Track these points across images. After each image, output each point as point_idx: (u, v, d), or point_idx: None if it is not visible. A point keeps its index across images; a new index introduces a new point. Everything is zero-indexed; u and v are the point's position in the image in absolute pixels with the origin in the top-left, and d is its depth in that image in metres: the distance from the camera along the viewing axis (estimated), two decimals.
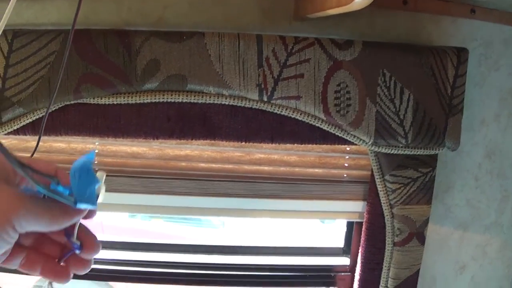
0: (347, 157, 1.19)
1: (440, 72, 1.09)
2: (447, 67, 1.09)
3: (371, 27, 1.15)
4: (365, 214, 1.18)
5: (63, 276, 0.48)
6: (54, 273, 0.48)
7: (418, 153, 1.11)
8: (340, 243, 1.34)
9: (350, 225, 1.28)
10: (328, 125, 1.05)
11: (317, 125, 1.05)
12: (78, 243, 0.47)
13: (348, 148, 1.18)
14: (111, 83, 0.99)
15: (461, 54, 1.11)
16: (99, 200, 0.45)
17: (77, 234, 0.47)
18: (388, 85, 1.06)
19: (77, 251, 0.47)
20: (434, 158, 1.15)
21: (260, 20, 1.11)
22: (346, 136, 1.07)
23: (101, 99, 1.01)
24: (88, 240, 0.48)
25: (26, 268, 0.48)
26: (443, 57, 1.09)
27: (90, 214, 0.47)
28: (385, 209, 1.15)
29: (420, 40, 1.18)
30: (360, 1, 0.80)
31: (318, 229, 3.95)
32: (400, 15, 1.16)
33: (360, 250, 1.20)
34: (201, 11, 1.09)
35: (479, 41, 1.23)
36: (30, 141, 1.09)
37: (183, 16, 1.09)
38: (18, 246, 0.45)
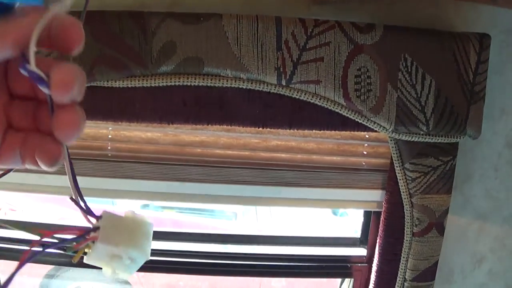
0: (366, 144, 1.16)
1: (462, 58, 1.06)
2: (469, 53, 1.07)
3: (392, 11, 1.12)
4: (383, 203, 1.15)
5: (51, 150, 0.34)
6: (39, 151, 0.34)
7: (439, 140, 1.08)
8: (352, 234, 1.31)
9: (367, 214, 1.25)
10: (348, 110, 1.02)
11: (336, 110, 1.02)
12: (40, 74, 0.31)
13: (367, 136, 1.15)
14: (126, 65, 0.97)
15: (483, 40, 1.08)
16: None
17: (39, 63, 0.31)
18: (409, 70, 1.03)
19: (44, 88, 0.32)
20: (455, 146, 1.12)
21: (278, 3, 1.08)
22: (366, 123, 1.04)
23: (115, 82, 0.98)
24: (58, 70, 0.31)
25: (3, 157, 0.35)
26: (466, 42, 1.07)
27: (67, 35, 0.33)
28: (405, 198, 1.12)
29: (441, 26, 1.15)
30: None
31: (329, 221, 3.93)
32: (421, 0, 1.13)
33: (378, 241, 1.17)
34: None
35: (499, 28, 1.20)
36: None
37: None
38: None
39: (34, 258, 0.38)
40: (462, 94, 1.07)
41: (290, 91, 1.00)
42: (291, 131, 1.10)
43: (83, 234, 0.40)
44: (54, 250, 0.42)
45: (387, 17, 1.12)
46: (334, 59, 1.01)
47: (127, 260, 0.42)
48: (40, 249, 0.39)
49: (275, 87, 1.00)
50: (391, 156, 1.11)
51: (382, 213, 1.15)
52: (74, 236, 0.40)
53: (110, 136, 1.09)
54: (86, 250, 0.41)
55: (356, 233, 1.33)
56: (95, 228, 0.41)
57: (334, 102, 1.02)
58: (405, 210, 1.13)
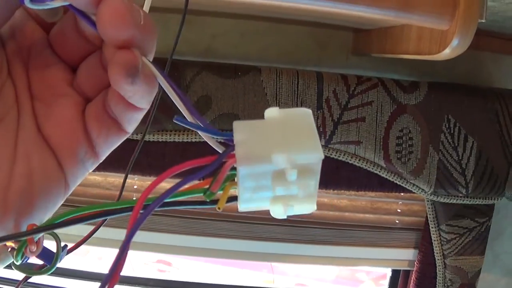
0: (400, 202, 1.12)
1: (505, 119, 1.02)
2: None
3: (431, 65, 1.08)
4: (416, 263, 1.11)
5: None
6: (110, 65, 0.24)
7: (476, 202, 1.05)
8: None
9: (395, 273, 1.21)
10: (387, 172, 0.98)
11: (375, 172, 0.98)
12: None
13: (402, 194, 1.11)
14: (157, 119, 0.91)
15: None
16: None
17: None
18: (452, 132, 0.99)
19: (55, 1, 0.24)
20: (491, 207, 1.08)
21: (316, 53, 1.04)
22: (405, 185, 0.99)
23: (146, 135, 0.93)
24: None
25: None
26: (509, 102, 1.03)
27: None
28: (438, 259, 1.08)
29: (480, 80, 1.11)
30: (449, 53, 0.73)
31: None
32: (461, 53, 1.09)
33: None
34: (253, 42, 1.02)
35: None
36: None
37: (233, 46, 1.02)
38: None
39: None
40: (503, 156, 1.03)
41: (328, 151, 0.96)
42: None
43: (213, 162, 0.25)
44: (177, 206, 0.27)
45: (427, 70, 1.08)
46: (376, 119, 0.96)
47: (294, 174, 0.24)
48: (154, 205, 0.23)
49: None
50: (426, 215, 1.07)
51: (413, 272, 1.12)
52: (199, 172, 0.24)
53: (135, 187, 1.04)
54: (233, 188, 0.26)
55: None
56: (230, 149, 0.25)
57: (374, 164, 0.97)
58: (437, 270, 1.09)
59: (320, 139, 0.93)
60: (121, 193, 0.61)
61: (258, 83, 0.93)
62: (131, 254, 1.09)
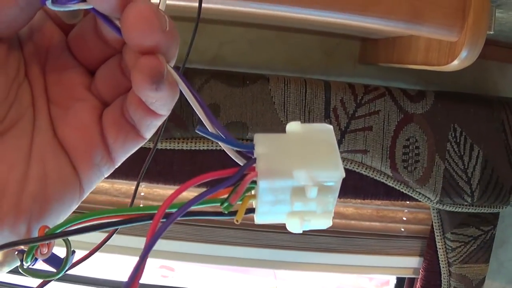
0: (406, 210, 1.12)
1: (510, 128, 1.03)
2: None
3: (438, 74, 1.08)
4: (421, 270, 1.12)
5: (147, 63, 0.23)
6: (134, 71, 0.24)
7: (481, 211, 1.05)
8: None
9: (400, 280, 1.22)
10: (394, 181, 0.99)
11: (381, 180, 0.98)
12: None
13: (407, 202, 1.11)
14: (166, 127, 0.92)
15: None
16: None
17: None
18: (458, 141, 1.00)
19: (78, 3, 0.24)
20: (496, 216, 1.09)
21: (323, 61, 1.04)
22: (411, 193, 1.00)
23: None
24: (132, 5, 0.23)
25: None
26: None
27: None
28: (443, 267, 1.09)
29: (486, 89, 1.12)
30: (458, 64, 0.73)
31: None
32: None
33: None
34: (261, 50, 1.02)
35: None
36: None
37: (242, 54, 1.02)
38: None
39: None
40: (509, 165, 1.03)
41: None
42: None
43: (234, 174, 0.25)
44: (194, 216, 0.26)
45: (433, 79, 1.08)
46: (383, 128, 0.97)
47: (315, 192, 0.24)
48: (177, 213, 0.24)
49: None
50: (431, 224, 1.07)
51: (418, 280, 1.12)
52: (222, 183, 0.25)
53: (142, 194, 1.04)
54: (250, 200, 0.26)
55: None
56: (251, 162, 0.25)
57: (380, 172, 0.98)
58: (442, 278, 1.10)
59: None
60: (132, 201, 0.61)
61: (266, 92, 0.93)
62: (133, 260, 1.09)
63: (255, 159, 0.25)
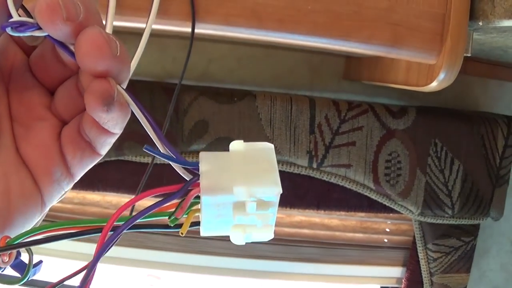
0: (389, 222, 1.15)
1: (490, 143, 1.06)
2: (497, 137, 1.07)
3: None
4: (403, 280, 1.15)
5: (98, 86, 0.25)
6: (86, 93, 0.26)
7: (462, 223, 1.09)
8: None
9: None
10: (377, 194, 1.02)
11: (365, 193, 1.02)
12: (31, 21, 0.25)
13: (391, 214, 1.14)
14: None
15: (511, 123, 1.08)
16: None
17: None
18: (439, 155, 1.03)
19: (35, 31, 0.25)
20: (476, 227, 1.12)
21: (308, 78, 1.07)
22: (394, 206, 1.03)
23: (144, 157, 0.96)
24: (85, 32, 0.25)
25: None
26: (494, 126, 1.07)
27: None
28: (425, 277, 1.12)
29: (467, 104, 1.15)
30: (436, 85, 0.77)
31: None
32: None
33: None
34: (248, 67, 1.05)
35: None
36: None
37: (229, 71, 1.05)
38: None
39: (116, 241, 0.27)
40: (488, 178, 1.07)
41: (320, 173, 0.99)
42: None
43: (179, 190, 0.28)
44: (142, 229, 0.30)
45: (416, 94, 1.11)
46: (366, 143, 1.00)
47: (253, 207, 0.27)
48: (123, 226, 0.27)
49: (305, 169, 0.99)
50: (414, 235, 1.10)
51: None
52: (167, 197, 0.28)
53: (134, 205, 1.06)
54: (196, 214, 0.29)
55: None
56: (195, 179, 0.28)
57: (364, 186, 1.01)
58: None
59: (312, 162, 0.96)
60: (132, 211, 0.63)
61: (253, 108, 0.96)
62: (123, 270, 1.10)
63: (199, 175, 0.28)
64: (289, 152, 0.97)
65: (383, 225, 1.15)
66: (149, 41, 0.63)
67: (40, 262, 0.30)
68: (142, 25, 0.61)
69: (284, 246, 1.11)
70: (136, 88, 0.95)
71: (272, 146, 0.30)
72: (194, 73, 1.04)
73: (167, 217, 0.29)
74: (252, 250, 1.10)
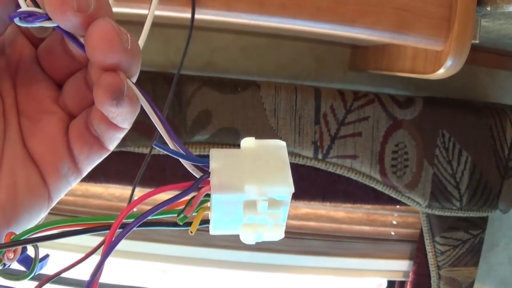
0: (395, 214, 1.14)
1: (499, 134, 1.04)
2: (506, 128, 1.05)
3: (427, 79, 1.10)
4: (410, 273, 1.13)
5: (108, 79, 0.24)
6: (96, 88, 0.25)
7: (470, 215, 1.07)
8: None
9: (391, 283, 1.23)
10: (383, 186, 1.00)
11: (371, 185, 1.00)
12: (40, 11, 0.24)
13: (397, 206, 1.13)
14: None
15: None
16: None
17: None
18: (446, 146, 1.01)
19: (44, 22, 0.24)
20: (484, 220, 1.10)
21: (314, 68, 1.06)
22: (401, 198, 1.01)
23: (147, 148, 0.95)
24: (95, 24, 0.24)
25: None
26: (503, 117, 1.05)
27: None
28: (432, 270, 1.10)
29: (475, 95, 1.13)
30: (443, 72, 0.75)
31: None
32: None
33: None
34: (252, 57, 1.04)
35: None
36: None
37: (233, 61, 1.04)
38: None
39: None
40: (497, 169, 1.05)
41: (326, 165, 0.98)
42: None
43: (189, 188, 0.27)
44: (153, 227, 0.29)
45: (423, 85, 1.10)
46: (372, 134, 0.98)
47: (265, 206, 0.26)
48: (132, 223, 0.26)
49: (310, 161, 0.97)
50: (421, 228, 1.09)
51: (408, 283, 1.14)
52: (176, 195, 0.27)
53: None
54: (206, 212, 0.28)
55: None
56: (205, 176, 0.27)
57: (370, 177, 0.99)
58: (432, 281, 1.11)
59: (318, 153, 0.95)
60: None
61: (257, 98, 0.95)
62: (130, 263, 1.09)
63: (209, 173, 0.27)
64: (294, 143, 0.95)
65: (390, 218, 1.14)
66: (153, 32, 0.61)
67: (47, 256, 0.29)
68: (144, 11, 0.60)
69: (290, 239, 1.10)
70: (138, 78, 0.94)
71: (284, 144, 0.29)
72: (197, 63, 1.03)
73: (176, 215, 0.28)
74: (258, 244, 1.09)
